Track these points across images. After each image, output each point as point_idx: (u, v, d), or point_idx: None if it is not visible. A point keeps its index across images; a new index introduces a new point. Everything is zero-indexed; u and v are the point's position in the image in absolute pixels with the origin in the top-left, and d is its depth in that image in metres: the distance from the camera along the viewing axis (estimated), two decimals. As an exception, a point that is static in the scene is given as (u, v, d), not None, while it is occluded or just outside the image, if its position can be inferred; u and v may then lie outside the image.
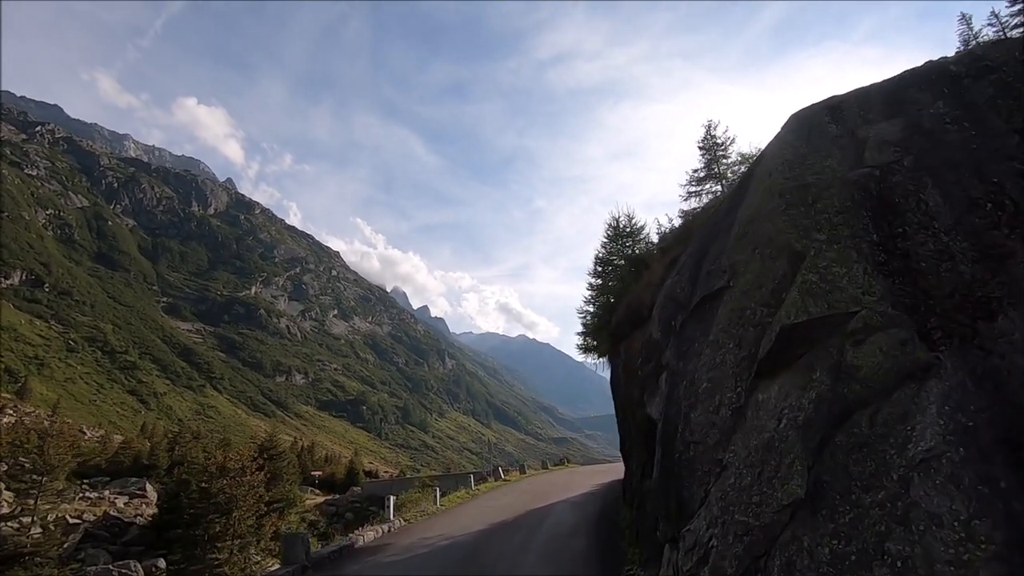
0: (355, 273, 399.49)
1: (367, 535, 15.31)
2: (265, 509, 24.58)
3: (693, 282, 7.09)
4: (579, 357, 21.83)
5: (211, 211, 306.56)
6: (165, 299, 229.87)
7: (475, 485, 24.57)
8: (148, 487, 45.43)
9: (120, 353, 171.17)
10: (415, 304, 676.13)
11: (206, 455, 30.24)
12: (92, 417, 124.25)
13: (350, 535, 15.89)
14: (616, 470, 29.14)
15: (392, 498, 17.04)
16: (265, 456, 34.62)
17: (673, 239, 9.56)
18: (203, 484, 22.21)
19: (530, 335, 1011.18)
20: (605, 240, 22.05)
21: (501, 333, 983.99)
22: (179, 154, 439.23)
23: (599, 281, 22.05)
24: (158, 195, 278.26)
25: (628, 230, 21.53)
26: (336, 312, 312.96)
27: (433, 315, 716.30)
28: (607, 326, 12.19)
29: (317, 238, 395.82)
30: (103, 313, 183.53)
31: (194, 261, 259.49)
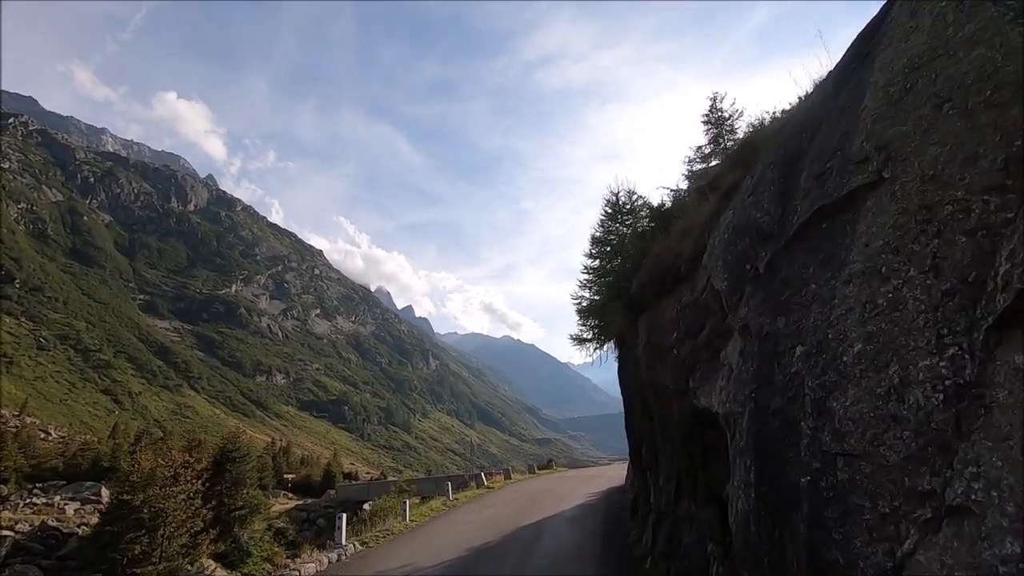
0: (338, 272, 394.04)
1: (307, 568, 12.22)
2: (202, 525, 21.43)
3: (783, 198, 4.52)
4: (573, 350, 19.35)
5: (191, 207, 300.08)
6: (142, 296, 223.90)
7: (453, 494, 21.68)
8: (104, 492, 42.06)
9: (94, 351, 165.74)
10: (399, 304, 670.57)
11: (131, 461, 26.91)
12: (62, 417, 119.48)
13: (284, 568, 12.59)
14: (608, 475, 26.52)
15: (344, 516, 14.03)
16: (227, 459, 31.52)
17: (727, 165, 7.03)
18: (124, 496, 18.89)
19: (515, 336, 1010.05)
20: (603, 218, 19.57)
21: (486, 334, 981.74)
22: (159, 149, 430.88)
23: (596, 263, 19.54)
24: (136, 190, 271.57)
25: (628, 207, 19.06)
26: (318, 311, 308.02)
27: (417, 315, 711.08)
28: (618, 299, 9.63)
29: (300, 236, 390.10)
30: (76, 310, 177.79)
31: (173, 258, 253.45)
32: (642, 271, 8.21)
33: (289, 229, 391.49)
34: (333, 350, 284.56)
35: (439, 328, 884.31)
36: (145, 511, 17.90)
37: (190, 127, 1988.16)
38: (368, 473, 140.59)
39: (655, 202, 18.61)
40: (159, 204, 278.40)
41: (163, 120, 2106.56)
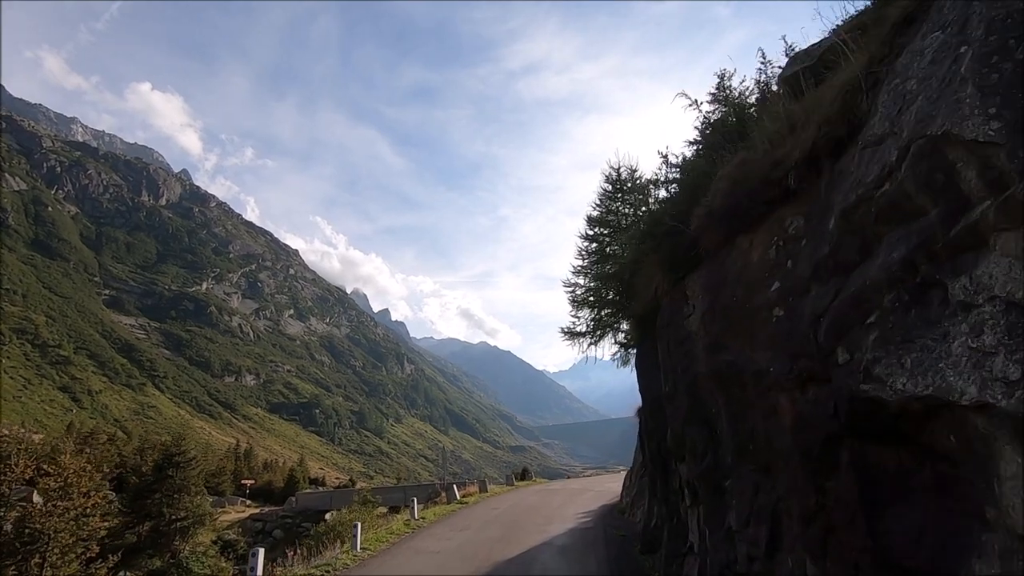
0: (314, 273, 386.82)
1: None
2: (98, 549, 17.77)
3: None
4: (566, 344, 16.56)
5: (163, 202, 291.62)
6: (107, 291, 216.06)
7: (419, 513, 18.29)
8: (36, 498, 37.98)
9: (53, 347, 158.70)
10: (376, 307, 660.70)
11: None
12: (15, 415, 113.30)
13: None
14: (596, 489, 23.72)
15: (261, 553, 10.98)
16: (170, 463, 27.98)
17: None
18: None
19: (491, 342, 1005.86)
20: (601, 196, 16.97)
21: (462, 339, 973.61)
22: (131, 141, 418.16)
23: (594, 245, 16.85)
24: (105, 182, 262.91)
25: (630, 185, 16.43)
26: (292, 312, 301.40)
27: (394, 319, 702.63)
28: (656, 251, 6.88)
29: (275, 235, 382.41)
30: (36, 303, 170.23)
31: (141, 253, 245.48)
32: (714, 196, 5.52)
33: (265, 227, 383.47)
34: (306, 352, 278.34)
35: (416, 332, 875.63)
36: (26, 530, 14.39)
37: (165, 120, 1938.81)
38: (338, 479, 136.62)
39: (659, 192, 16.07)
40: (129, 197, 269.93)
41: (137, 112, 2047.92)
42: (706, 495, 5.79)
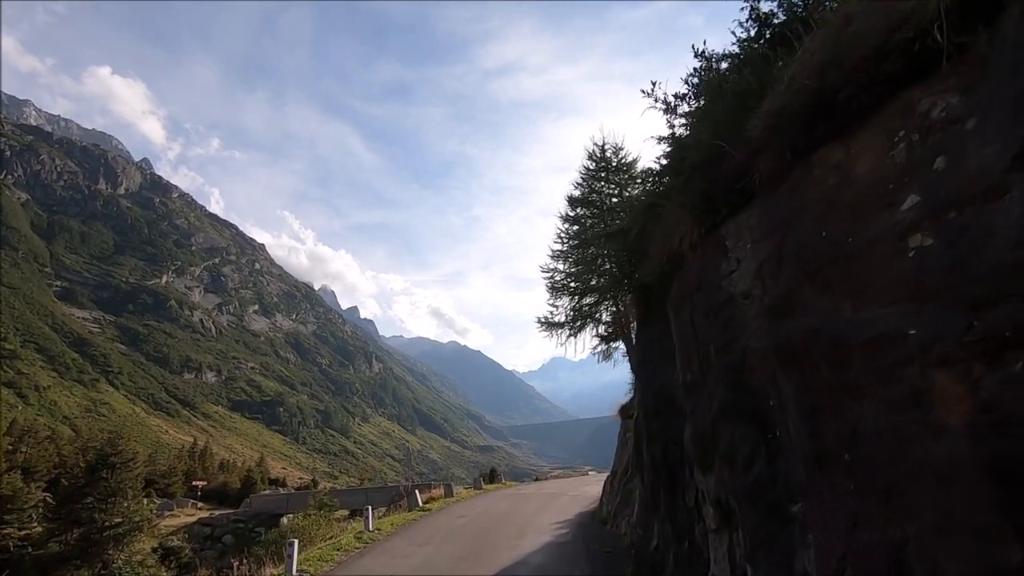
0: (281, 268, 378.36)
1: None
2: None
3: None
4: (542, 334, 14.97)
5: (121, 191, 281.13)
6: (59, 283, 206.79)
7: (376, 523, 16.20)
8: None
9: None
10: (344, 304, 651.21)
11: None
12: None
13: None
14: (570, 493, 22.03)
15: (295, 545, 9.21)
16: (104, 465, 25.40)
17: None
18: None
19: (462, 342, 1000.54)
20: (582, 176, 15.46)
21: (432, 338, 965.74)
22: (89, 127, 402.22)
23: (575, 227, 15.27)
24: (59, 168, 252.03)
25: (615, 164, 14.96)
26: (257, 308, 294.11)
27: (363, 316, 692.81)
28: (698, 181, 5.15)
29: (241, 228, 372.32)
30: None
31: (97, 243, 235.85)
32: (782, 96, 3.87)
33: (230, 220, 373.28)
34: (270, 349, 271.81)
35: (385, 331, 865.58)
36: None
37: (125, 106, 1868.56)
38: (301, 479, 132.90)
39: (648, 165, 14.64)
40: (85, 185, 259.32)
41: (95, 97, 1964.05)
42: (751, 519, 4.18)
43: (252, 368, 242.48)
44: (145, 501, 32.53)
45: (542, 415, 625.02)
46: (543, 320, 14.80)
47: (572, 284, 14.63)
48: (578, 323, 14.59)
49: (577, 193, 14.97)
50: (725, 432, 4.58)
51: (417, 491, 21.77)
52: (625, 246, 8.20)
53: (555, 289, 14.79)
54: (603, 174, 14.87)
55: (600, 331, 14.57)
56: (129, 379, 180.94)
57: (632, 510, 10.08)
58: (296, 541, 11.31)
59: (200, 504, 50.37)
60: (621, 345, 14.75)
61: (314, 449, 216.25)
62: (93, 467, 25.77)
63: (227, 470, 70.82)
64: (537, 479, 60.78)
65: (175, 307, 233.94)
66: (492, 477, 51.44)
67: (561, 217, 14.95)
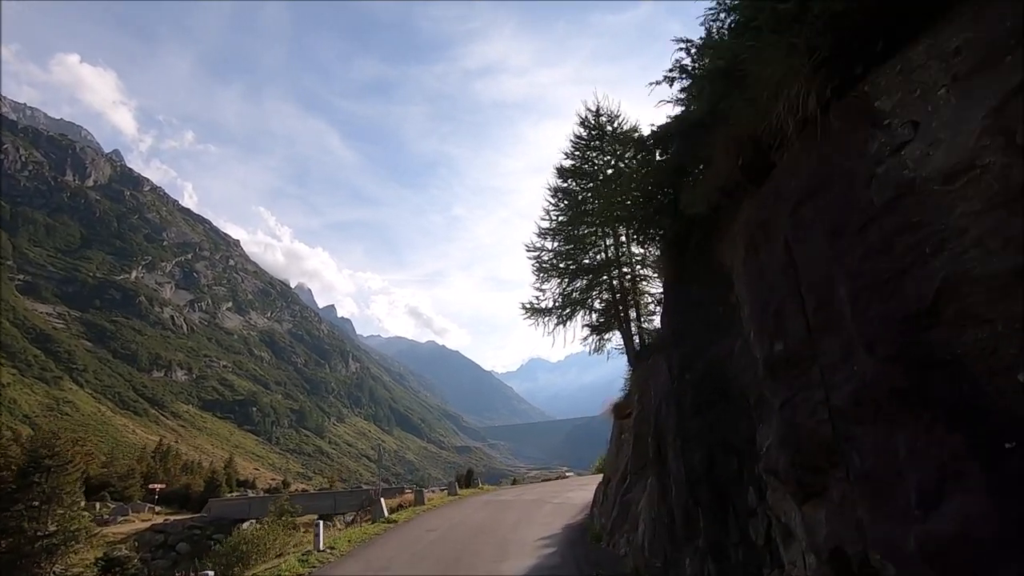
0: (256, 265, 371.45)
1: None
2: None
3: None
4: (526, 321, 13.23)
5: (90, 183, 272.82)
6: (22, 277, 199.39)
7: (331, 539, 14.17)
8: None
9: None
10: (321, 303, 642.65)
11: None
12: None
13: None
14: (554, 500, 20.18)
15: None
16: (37, 468, 23.03)
17: None
18: None
19: (440, 341, 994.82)
20: (575, 144, 13.79)
21: (410, 338, 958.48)
22: (57, 117, 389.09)
23: (565, 201, 13.65)
24: (24, 158, 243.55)
25: (611, 132, 13.35)
26: (230, 305, 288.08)
27: (340, 315, 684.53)
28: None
29: (215, 224, 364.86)
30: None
31: (63, 236, 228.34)
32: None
33: (204, 215, 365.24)
34: (244, 347, 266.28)
35: (362, 330, 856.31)
36: None
37: (95, 96, 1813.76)
38: (273, 479, 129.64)
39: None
40: (51, 176, 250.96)
41: (63, 85, 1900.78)
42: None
43: (224, 367, 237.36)
44: (84, 507, 29.97)
45: (520, 416, 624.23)
46: (528, 306, 13.16)
47: (561, 264, 12.99)
48: (567, 310, 12.99)
49: (568, 164, 13.35)
50: (872, 435, 2.95)
51: (383, 499, 19.75)
52: (656, 171, 6.26)
53: (542, 270, 13.16)
54: (596, 143, 13.28)
55: (592, 320, 13.00)
56: (95, 377, 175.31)
57: (634, 526, 8.48)
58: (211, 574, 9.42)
59: (158, 508, 47.66)
60: (615, 337, 13.23)
61: (288, 449, 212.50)
62: (24, 471, 23.36)
63: (191, 472, 67.75)
64: (515, 482, 59.07)
65: (145, 303, 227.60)
66: (469, 480, 49.63)
67: (550, 190, 13.33)
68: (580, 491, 21.89)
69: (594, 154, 13.38)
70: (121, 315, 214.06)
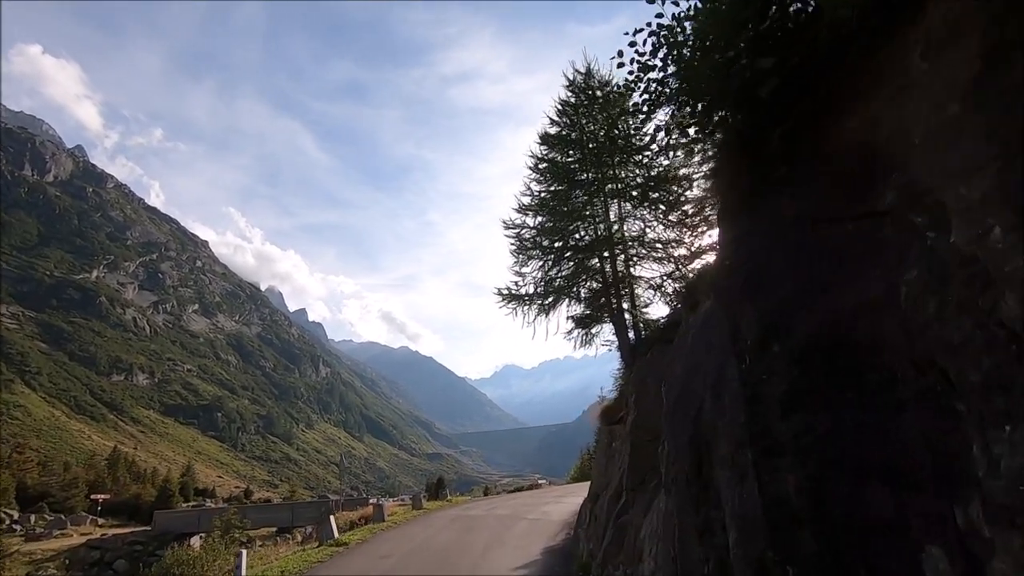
0: (224, 266, 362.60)
1: None
2: None
3: None
4: (502, 310, 11.40)
5: (49, 178, 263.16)
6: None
7: (254, 572, 12.05)
8: None
9: None
10: (292, 306, 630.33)
11: None
12: None
13: None
14: (529, 516, 18.08)
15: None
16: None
17: None
18: None
19: (413, 347, 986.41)
20: (562, 107, 12.00)
21: (383, 343, 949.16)
22: (16, 110, 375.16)
23: (550, 173, 11.84)
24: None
25: (602, 97, 11.64)
26: (197, 307, 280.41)
27: (311, 319, 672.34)
28: None
29: (183, 224, 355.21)
30: None
31: (19, 233, 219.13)
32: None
33: (171, 215, 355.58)
34: (210, 350, 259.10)
35: (334, 334, 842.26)
36: None
37: (58, 88, 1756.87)
38: (237, 487, 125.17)
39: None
40: (8, 171, 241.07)
41: (23, 77, 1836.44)
42: None
43: (189, 370, 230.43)
44: (18, 519, 27.09)
45: (493, 422, 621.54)
46: (505, 292, 11.33)
47: (545, 242, 11.22)
48: (550, 298, 11.20)
49: (554, 130, 11.59)
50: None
51: (333, 518, 17.43)
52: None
53: (522, 249, 11.35)
54: (583, 109, 11.54)
55: (578, 311, 11.26)
56: (49, 380, 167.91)
57: (634, 558, 6.72)
58: None
59: (101, 521, 44.36)
60: (605, 331, 11.49)
61: (254, 456, 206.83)
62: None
63: (143, 480, 63.94)
64: (487, 491, 56.77)
65: (105, 304, 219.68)
66: (438, 489, 47.30)
67: (532, 159, 11.53)
68: (557, 504, 20.01)
69: (584, 120, 11.67)
70: (80, 316, 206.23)
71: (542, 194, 11.51)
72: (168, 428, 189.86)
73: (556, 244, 11.22)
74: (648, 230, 10.89)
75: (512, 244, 11.42)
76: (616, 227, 10.92)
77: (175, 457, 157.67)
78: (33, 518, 41.29)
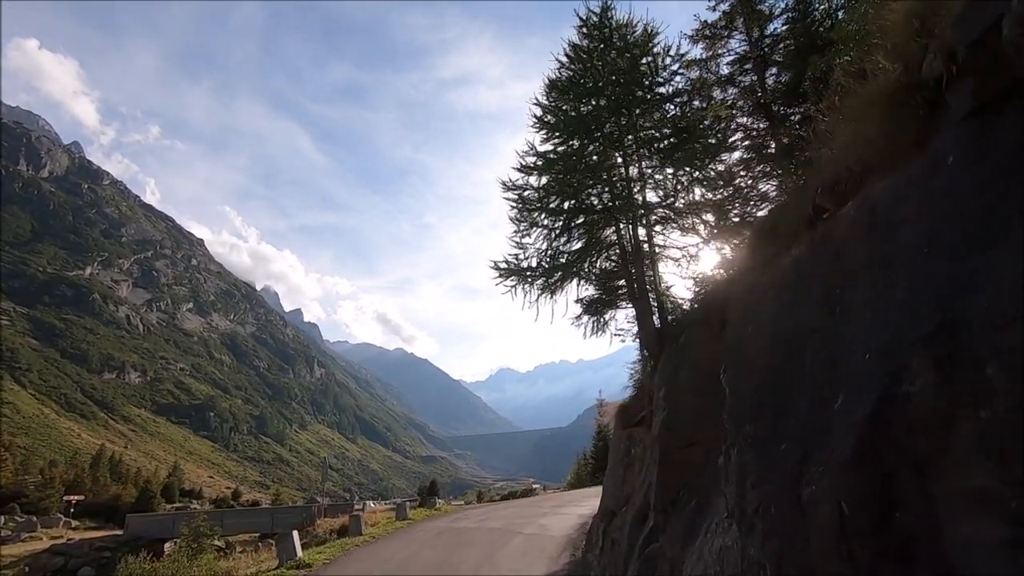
0: (220, 265, 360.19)
1: None
2: None
3: None
4: (502, 288, 9.77)
5: (44, 173, 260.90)
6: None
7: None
8: None
9: None
10: (288, 306, 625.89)
11: None
12: None
13: None
14: (527, 531, 16.20)
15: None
16: None
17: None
18: None
19: (408, 349, 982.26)
20: (573, 51, 10.35)
21: (378, 344, 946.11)
22: (13, 105, 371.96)
23: (562, 124, 10.14)
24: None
25: (621, 39, 9.99)
26: (191, 306, 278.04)
27: (306, 319, 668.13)
28: None
29: (178, 222, 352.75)
30: None
31: (12, 228, 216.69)
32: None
33: (167, 213, 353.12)
34: (204, 349, 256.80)
35: (329, 335, 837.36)
36: None
37: (55, 84, 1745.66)
38: (228, 488, 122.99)
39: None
40: (3, 166, 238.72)
41: (20, 71, 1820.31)
42: None
43: (182, 369, 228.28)
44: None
45: (487, 426, 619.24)
46: (503, 265, 9.61)
47: (553, 203, 9.50)
48: (557, 275, 9.52)
49: (567, 75, 9.94)
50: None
51: (295, 533, 15.26)
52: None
53: (525, 213, 9.62)
54: (598, 54, 9.90)
55: (589, 293, 9.61)
56: (39, 377, 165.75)
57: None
58: None
59: (76, 523, 42.38)
60: (618, 317, 9.85)
61: (246, 457, 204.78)
62: None
63: (123, 481, 61.81)
64: (480, 495, 54.88)
65: (99, 301, 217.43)
66: (431, 492, 45.50)
67: (539, 107, 9.83)
68: (556, 516, 18.20)
69: (599, 63, 9.99)
70: (72, 313, 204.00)
71: (549, 155, 9.81)
72: (160, 427, 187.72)
73: (565, 205, 9.57)
74: (675, 193, 9.19)
75: (513, 208, 9.81)
76: (637, 189, 9.27)
77: (166, 456, 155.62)
78: (3, 519, 39.24)
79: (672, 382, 6.23)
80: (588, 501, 23.05)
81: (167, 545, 27.90)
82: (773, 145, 8.06)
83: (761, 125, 8.42)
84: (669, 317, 8.67)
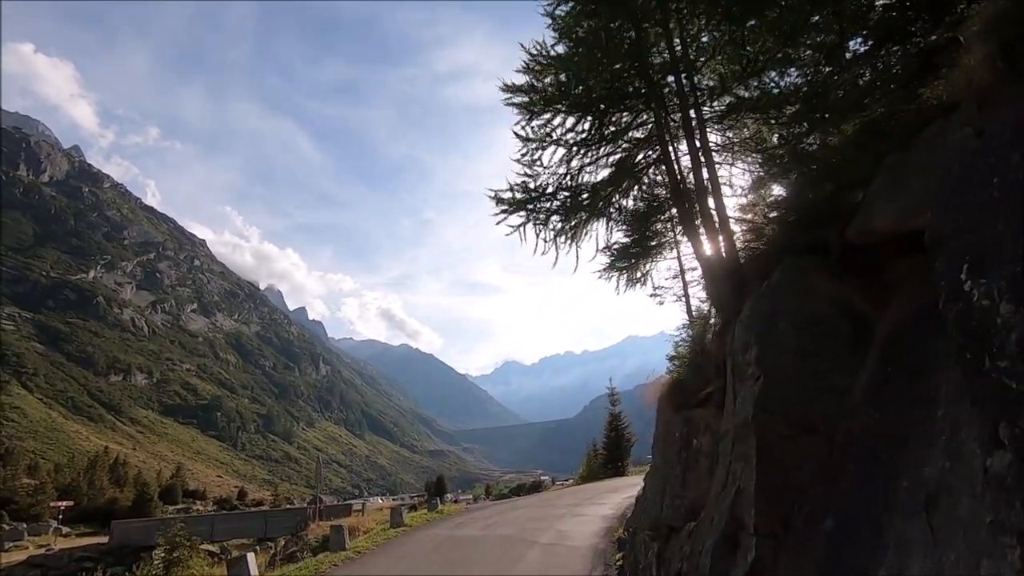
0: (223, 265, 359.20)
1: None
2: None
3: None
4: (502, 222, 7.59)
5: (45, 178, 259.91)
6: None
7: None
8: None
9: None
10: (292, 305, 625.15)
11: None
12: None
13: None
14: (543, 540, 14.00)
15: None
16: None
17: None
18: None
19: (413, 344, 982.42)
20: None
21: (383, 340, 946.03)
22: (11, 110, 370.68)
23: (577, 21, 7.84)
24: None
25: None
26: (195, 306, 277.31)
27: (311, 318, 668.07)
28: None
29: (180, 223, 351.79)
30: None
31: (14, 233, 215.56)
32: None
33: (168, 214, 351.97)
34: (209, 350, 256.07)
35: (334, 333, 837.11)
36: None
37: (52, 88, 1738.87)
38: (236, 487, 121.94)
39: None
40: (3, 171, 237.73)
41: (16, 76, 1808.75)
42: None
43: (188, 370, 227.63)
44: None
45: (493, 419, 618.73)
46: (507, 195, 7.13)
47: (579, 89, 6.66)
48: (579, 213, 7.17)
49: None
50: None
51: (251, 557, 12.12)
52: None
53: (538, 114, 6.97)
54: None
55: (621, 240, 7.48)
56: (46, 381, 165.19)
57: None
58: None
59: (67, 530, 40.72)
60: (657, 268, 7.76)
61: (254, 455, 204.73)
62: None
63: (122, 483, 60.17)
64: (488, 490, 52.82)
65: (103, 304, 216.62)
66: (439, 488, 43.67)
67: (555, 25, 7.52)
68: (575, 518, 16.01)
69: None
70: (77, 316, 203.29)
71: (577, 34, 7.03)
72: (167, 428, 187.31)
73: (595, 96, 6.60)
74: (746, 81, 6.55)
75: (520, 109, 7.27)
76: (696, 84, 6.70)
77: (173, 457, 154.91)
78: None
79: (767, 340, 4.22)
80: (607, 498, 21.01)
81: (155, 553, 26.15)
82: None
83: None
84: (738, 254, 6.24)
